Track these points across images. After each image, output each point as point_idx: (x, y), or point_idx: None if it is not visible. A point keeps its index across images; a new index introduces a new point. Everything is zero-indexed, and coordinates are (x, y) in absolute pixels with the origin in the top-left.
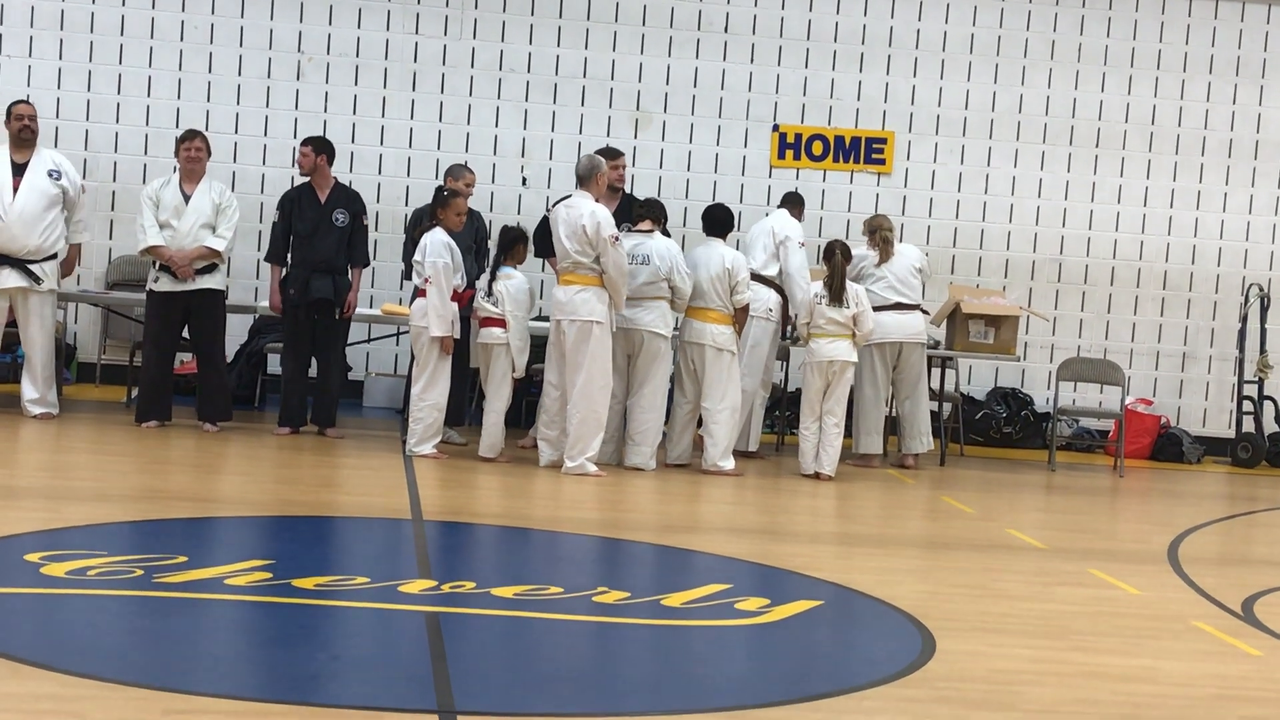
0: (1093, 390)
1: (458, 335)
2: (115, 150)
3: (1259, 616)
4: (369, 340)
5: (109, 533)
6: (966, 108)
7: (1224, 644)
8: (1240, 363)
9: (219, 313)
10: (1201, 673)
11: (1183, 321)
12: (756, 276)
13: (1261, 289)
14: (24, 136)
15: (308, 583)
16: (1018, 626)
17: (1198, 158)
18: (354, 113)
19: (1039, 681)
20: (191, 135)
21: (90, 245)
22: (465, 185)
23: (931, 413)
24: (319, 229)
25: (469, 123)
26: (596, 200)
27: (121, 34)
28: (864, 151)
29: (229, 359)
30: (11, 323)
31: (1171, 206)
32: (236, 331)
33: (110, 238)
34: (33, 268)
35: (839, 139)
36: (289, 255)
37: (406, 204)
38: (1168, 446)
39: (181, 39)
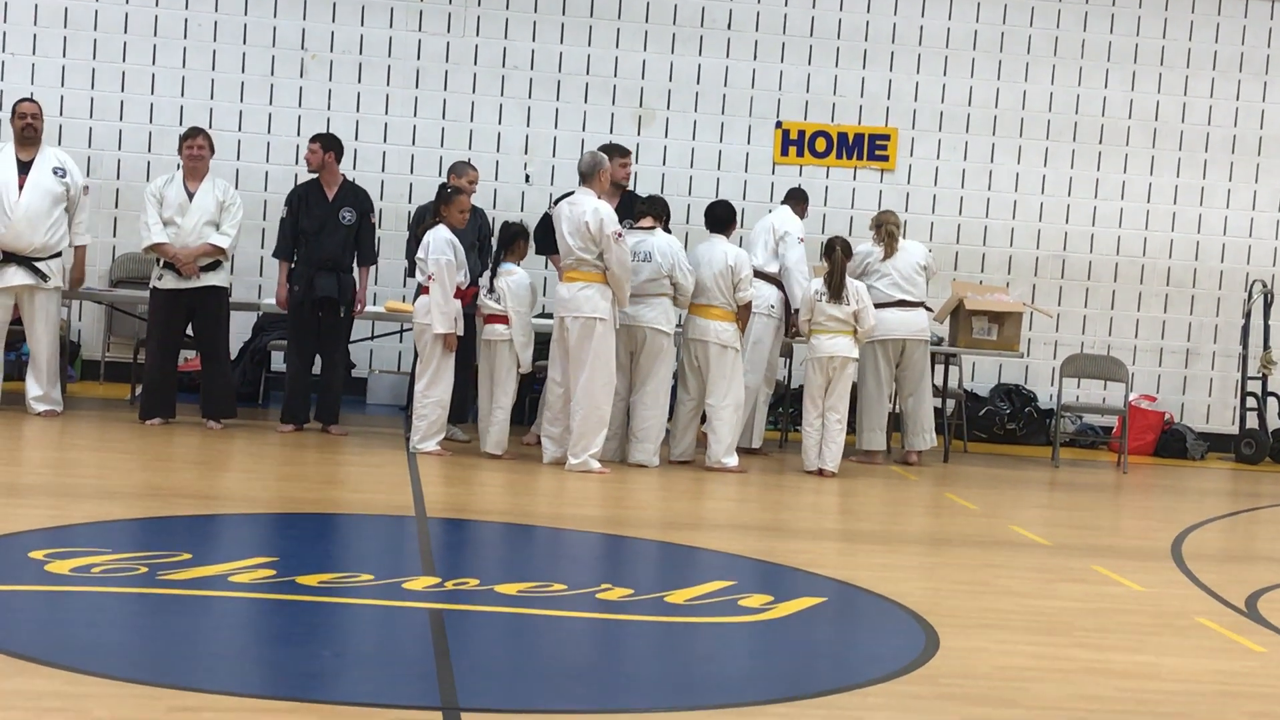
0: (1096, 386)
1: (461, 332)
2: (119, 148)
3: (1262, 613)
4: (373, 337)
5: (113, 530)
6: (970, 104)
7: (1228, 640)
8: (1244, 359)
9: (223, 310)
10: (1205, 669)
11: (1186, 318)
12: (758, 273)
13: (1265, 285)
14: (27, 135)
15: (311, 580)
16: (1021, 623)
17: (1201, 154)
18: (357, 110)
19: (1042, 678)
20: (194, 133)
21: (94, 243)
22: (468, 182)
23: (935, 409)
24: (325, 226)
25: (472, 120)
26: (599, 197)
27: (125, 31)
28: (867, 148)
29: (233, 356)
30: (16, 320)
31: (1175, 203)
32: (240, 329)
33: (114, 235)
34: (38, 265)
35: (842, 135)
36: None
37: (410, 201)
38: (1171, 443)
39: (185, 36)
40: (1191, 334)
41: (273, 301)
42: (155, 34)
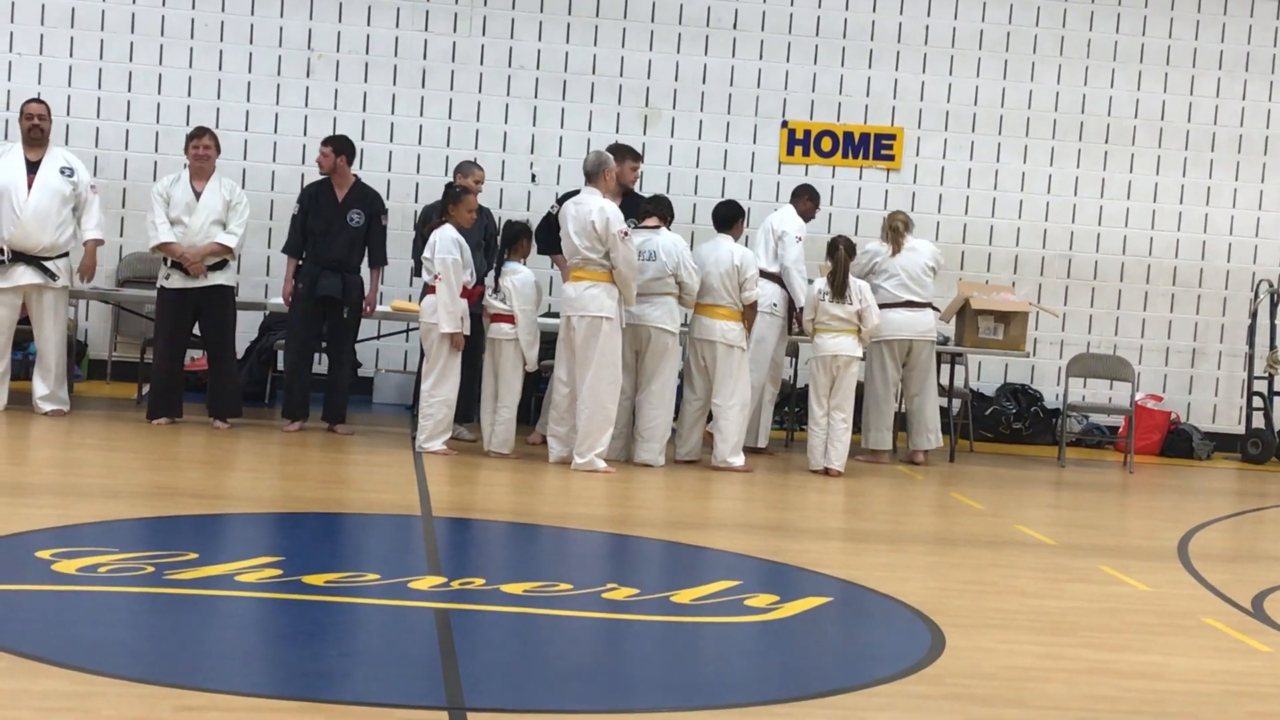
0: (1102, 386)
1: (467, 332)
2: (126, 148)
3: (1269, 613)
4: (379, 337)
5: (120, 529)
6: (976, 103)
7: (1234, 640)
8: (1250, 359)
9: (229, 309)
10: (1211, 669)
11: (1192, 317)
12: (760, 272)
13: (1271, 285)
14: (34, 136)
15: (318, 579)
16: (1027, 623)
17: (1207, 153)
18: (364, 110)
19: (1048, 678)
20: (201, 133)
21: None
22: (475, 182)
23: (941, 409)
24: (333, 227)
25: (478, 119)
26: (605, 196)
27: (132, 32)
28: (873, 147)
29: (239, 356)
30: (24, 320)
31: (1181, 202)
32: (247, 328)
33: (121, 235)
34: (46, 264)
35: (848, 135)
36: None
37: (416, 201)
38: (1178, 442)
39: (192, 36)
40: (1198, 334)
41: (279, 301)
42: (162, 34)
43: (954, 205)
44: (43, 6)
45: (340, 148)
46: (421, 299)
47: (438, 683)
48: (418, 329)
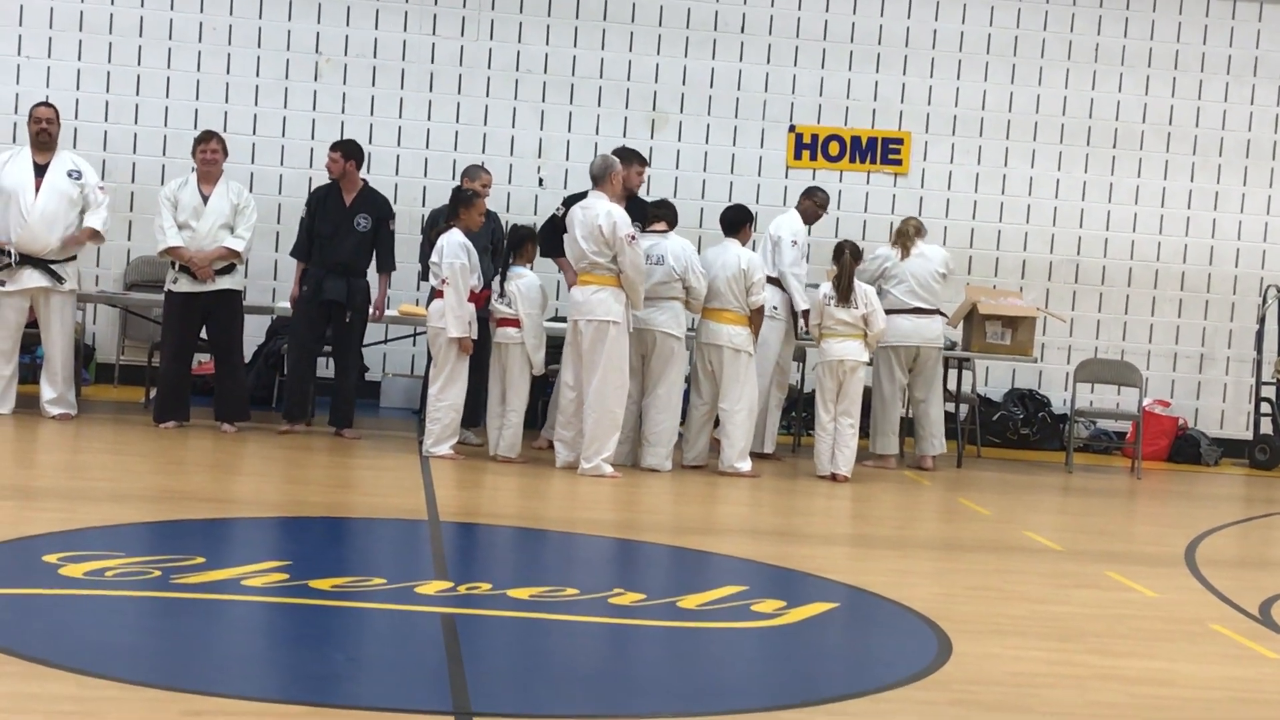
0: (1110, 392)
1: (475, 336)
2: (134, 151)
3: (1277, 619)
4: (386, 341)
5: (127, 534)
6: (983, 108)
7: (1242, 647)
8: (1258, 364)
9: (237, 313)
10: (1219, 676)
11: (1200, 323)
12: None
13: (1279, 290)
14: (42, 139)
15: (324, 584)
16: (1034, 629)
17: (1215, 158)
18: (371, 114)
19: (1055, 684)
20: (208, 137)
21: (109, 246)
22: (482, 186)
23: (948, 414)
24: (340, 231)
25: (486, 123)
26: (612, 200)
27: (140, 35)
28: (880, 152)
29: (247, 359)
30: (31, 323)
31: (1189, 207)
32: (254, 332)
33: (129, 239)
34: (54, 267)
35: (855, 139)
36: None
37: (424, 205)
38: (1185, 448)
39: (200, 40)
40: (1206, 339)
41: (287, 304)
42: (170, 38)
43: (961, 210)
44: (51, 10)
45: (349, 152)
46: (428, 303)
47: (444, 688)
48: (425, 333)
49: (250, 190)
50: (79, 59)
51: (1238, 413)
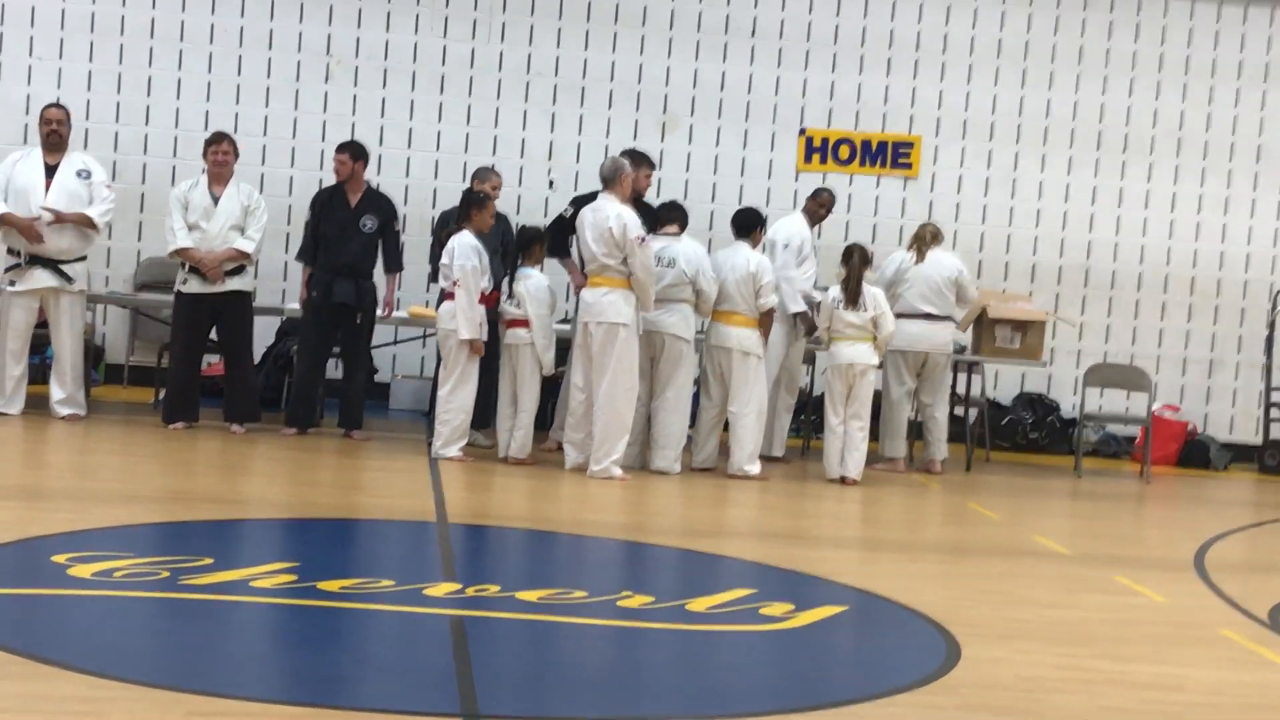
0: (1119, 396)
1: (486, 338)
2: (144, 152)
3: None
4: (395, 343)
5: (135, 534)
6: (994, 112)
7: (1250, 652)
8: (1268, 369)
9: (246, 314)
10: (1227, 681)
11: (1210, 327)
12: None
13: None
14: (52, 140)
15: (333, 585)
16: (1043, 633)
17: (1226, 163)
18: (382, 116)
19: (1064, 689)
20: (219, 138)
21: (118, 247)
22: (491, 188)
23: (957, 418)
24: (346, 232)
25: (496, 125)
26: (622, 202)
27: (151, 37)
28: (891, 156)
29: (256, 361)
30: (41, 323)
31: (1199, 212)
32: (264, 333)
33: (139, 239)
34: (64, 268)
35: (866, 143)
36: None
37: (434, 207)
38: (1195, 453)
39: (211, 42)
40: (1215, 344)
41: (296, 306)
42: (181, 39)
43: (971, 214)
44: (63, 11)
45: (357, 154)
46: (438, 305)
47: (452, 689)
48: (434, 335)
49: (261, 191)
50: (90, 60)
51: (1248, 418)
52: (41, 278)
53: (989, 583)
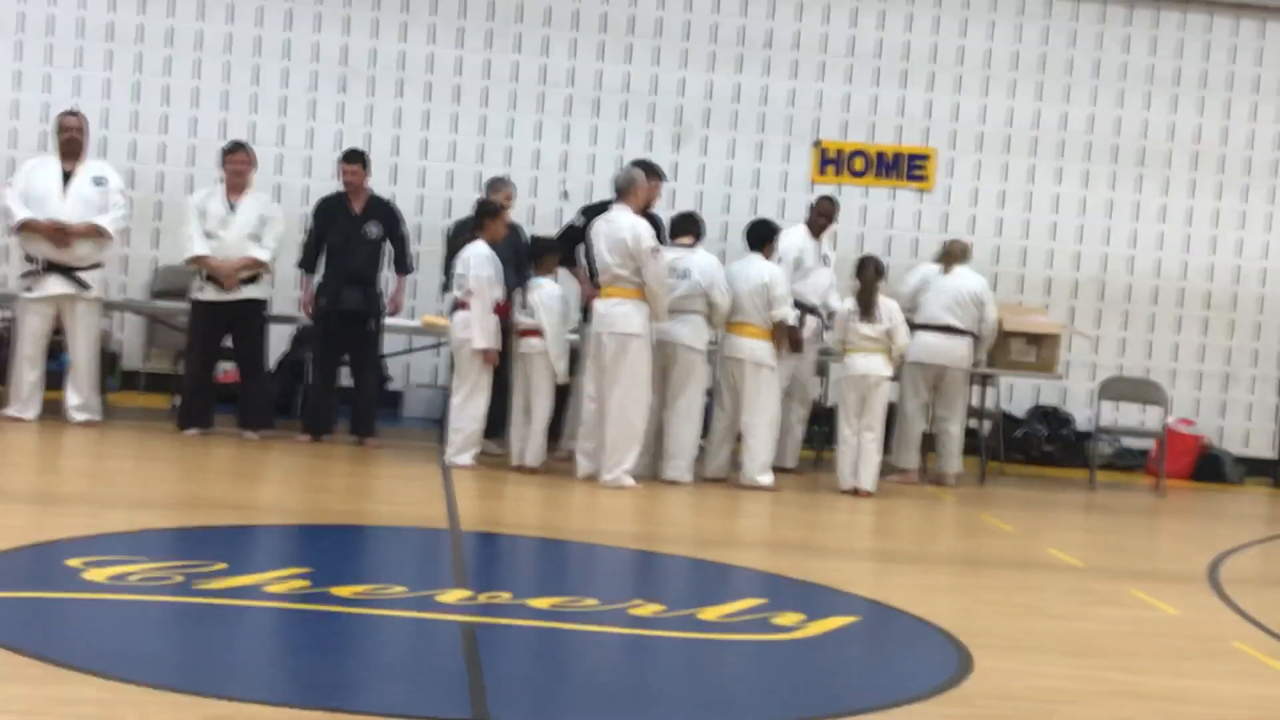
0: (1134, 409)
1: (500, 347)
2: (162, 161)
3: None
4: (409, 351)
5: (150, 539)
6: (1009, 125)
7: (1264, 666)
8: None
9: (261, 322)
10: (1241, 694)
11: (1225, 341)
12: None
13: None
14: (70, 148)
15: (345, 591)
16: (1056, 645)
17: (1242, 177)
18: (397, 126)
19: (1077, 700)
20: (236, 148)
21: (135, 254)
22: (505, 198)
23: (971, 430)
24: (351, 240)
25: (511, 136)
26: (636, 213)
27: (169, 46)
28: (906, 168)
29: (270, 368)
30: (57, 330)
31: (1215, 226)
32: (279, 341)
33: (155, 247)
34: (80, 275)
35: (880, 155)
36: (323, 265)
37: (448, 216)
38: (1209, 467)
39: (228, 51)
40: (1230, 358)
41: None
42: (198, 48)
43: (987, 227)
44: (80, 20)
45: (366, 163)
46: (451, 314)
47: (463, 696)
48: (447, 344)
49: (276, 201)
50: (108, 69)
51: (1262, 432)
52: (58, 285)
53: (1002, 594)
